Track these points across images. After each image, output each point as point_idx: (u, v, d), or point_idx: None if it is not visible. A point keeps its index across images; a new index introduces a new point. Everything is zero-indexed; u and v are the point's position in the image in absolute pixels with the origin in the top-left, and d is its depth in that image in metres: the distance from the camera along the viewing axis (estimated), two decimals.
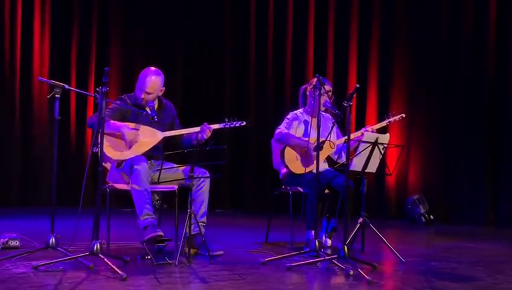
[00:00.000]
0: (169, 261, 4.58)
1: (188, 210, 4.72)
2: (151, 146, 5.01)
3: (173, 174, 4.96)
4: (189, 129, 5.10)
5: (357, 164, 5.08)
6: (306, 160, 5.55)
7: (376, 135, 5.13)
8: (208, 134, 5.00)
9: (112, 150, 4.92)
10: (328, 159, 5.81)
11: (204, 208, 4.98)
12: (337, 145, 5.65)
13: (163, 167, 4.74)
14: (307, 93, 5.76)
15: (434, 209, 8.04)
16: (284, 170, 5.68)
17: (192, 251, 4.88)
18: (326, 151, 5.58)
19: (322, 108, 5.23)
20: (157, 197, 5.19)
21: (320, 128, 4.80)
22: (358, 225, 5.22)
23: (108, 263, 4.19)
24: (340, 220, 5.40)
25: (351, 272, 4.39)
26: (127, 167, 4.87)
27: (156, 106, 5.11)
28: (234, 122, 5.11)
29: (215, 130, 5.06)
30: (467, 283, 4.30)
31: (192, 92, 9.23)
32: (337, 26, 8.78)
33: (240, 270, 4.48)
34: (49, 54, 8.80)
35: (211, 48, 9.25)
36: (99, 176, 4.41)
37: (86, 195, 4.84)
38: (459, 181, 8.15)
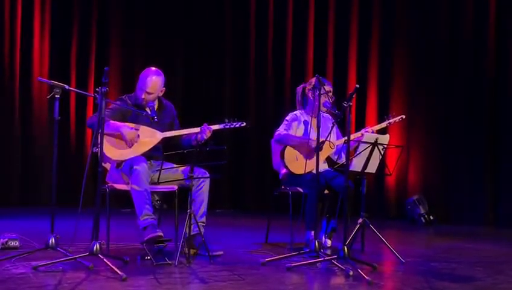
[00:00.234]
0: (169, 262, 4.57)
1: (188, 210, 4.72)
2: (151, 146, 5.01)
3: (173, 174, 4.96)
4: (189, 130, 5.09)
5: (356, 165, 5.08)
6: (309, 156, 5.51)
7: (376, 135, 5.12)
8: (207, 135, 5.00)
9: (112, 150, 4.92)
10: (328, 160, 5.80)
11: (204, 208, 4.97)
12: (337, 146, 5.64)
13: (163, 167, 4.74)
14: (307, 93, 5.75)
15: (434, 209, 8.04)
16: (284, 171, 5.67)
17: (192, 251, 4.87)
18: (326, 151, 5.58)
19: (322, 108, 5.22)
20: (157, 198, 5.19)
21: (320, 128, 4.80)
22: (358, 225, 5.21)
23: (108, 263, 4.19)
24: (340, 220, 5.39)
25: (351, 273, 4.38)
26: (126, 167, 4.87)
27: (156, 106, 5.11)
28: (234, 123, 5.11)
29: (215, 131, 5.05)
30: (467, 283, 4.29)
31: (192, 92, 9.23)
32: (337, 26, 8.78)
33: (240, 270, 4.48)
34: (49, 54, 8.80)
35: (211, 48, 9.25)
36: (99, 176, 4.41)
37: (85, 195, 4.83)
38: (459, 181, 8.15)
